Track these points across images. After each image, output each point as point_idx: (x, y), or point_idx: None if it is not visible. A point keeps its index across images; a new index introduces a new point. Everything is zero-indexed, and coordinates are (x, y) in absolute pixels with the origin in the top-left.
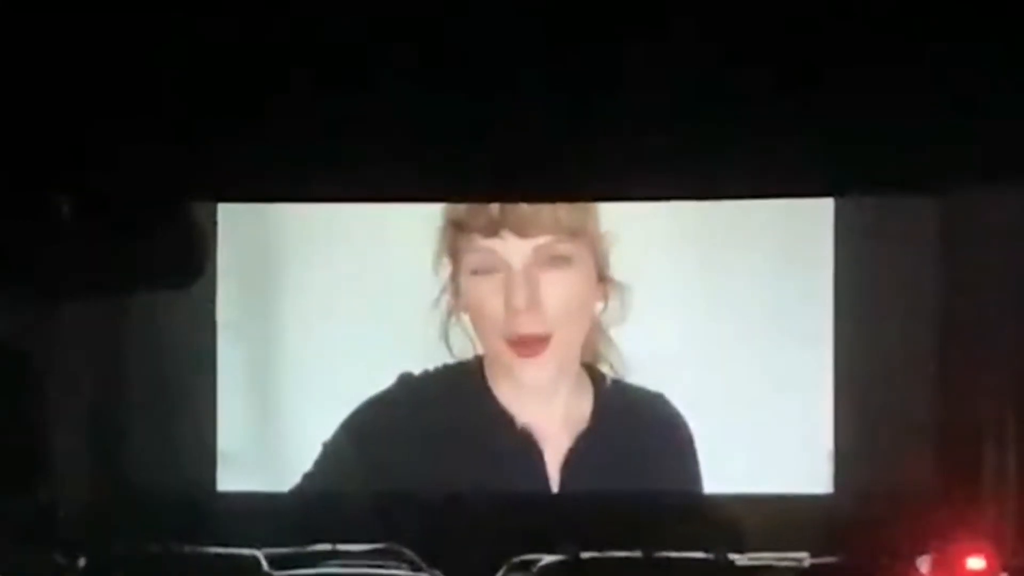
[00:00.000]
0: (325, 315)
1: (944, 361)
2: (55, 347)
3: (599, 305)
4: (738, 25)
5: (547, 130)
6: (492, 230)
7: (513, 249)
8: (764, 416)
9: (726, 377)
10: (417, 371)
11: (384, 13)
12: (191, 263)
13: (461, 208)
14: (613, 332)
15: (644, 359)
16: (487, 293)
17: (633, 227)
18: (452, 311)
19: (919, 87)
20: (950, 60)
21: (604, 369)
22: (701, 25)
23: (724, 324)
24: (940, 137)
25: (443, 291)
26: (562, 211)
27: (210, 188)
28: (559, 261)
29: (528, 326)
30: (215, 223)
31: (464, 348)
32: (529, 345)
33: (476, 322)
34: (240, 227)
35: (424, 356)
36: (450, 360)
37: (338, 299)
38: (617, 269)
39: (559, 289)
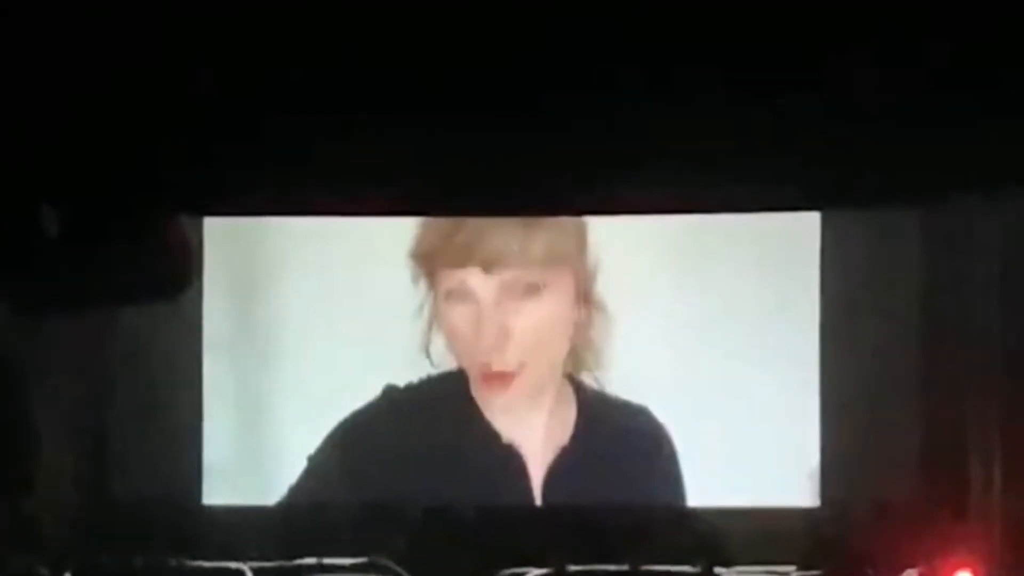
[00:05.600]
0: (310, 328)
1: (930, 376)
2: (40, 360)
3: (583, 320)
4: (722, 37)
5: (528, 144)
6: (459, 263)
7: (480, 283)
8: (751, 430)
9: (712, 391)
10: (402, 384)
11: (366, 34)
12: (177, 277)
13: (427, 241)
14: (598, 347)
15: (629, 373)
16: (459, 320)
17: (619, 243)
18: (431, 327)
19: (906, 98)
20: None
21: (587, 380)
22: (686, 38)
23: (710, 338)
24: (926, 149)
25: (422, 306)
26: (535, 243)
27: (196, 202)
28: (530, 290)
29: (498, 363)
30: (201, 238)
31: (446, 361)
32: (498, 379)
33: (451, 345)
34: (226, 242)
35: (409, 369)
36: (434, 373)
37: (323, 312)
38: (602, 284)
39: (530, 320)
